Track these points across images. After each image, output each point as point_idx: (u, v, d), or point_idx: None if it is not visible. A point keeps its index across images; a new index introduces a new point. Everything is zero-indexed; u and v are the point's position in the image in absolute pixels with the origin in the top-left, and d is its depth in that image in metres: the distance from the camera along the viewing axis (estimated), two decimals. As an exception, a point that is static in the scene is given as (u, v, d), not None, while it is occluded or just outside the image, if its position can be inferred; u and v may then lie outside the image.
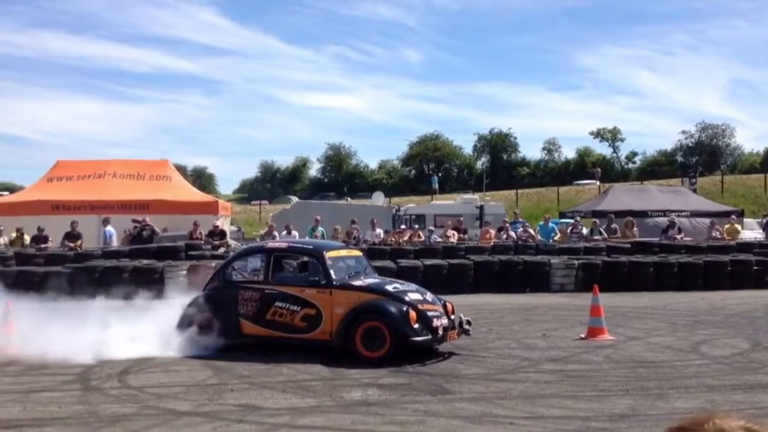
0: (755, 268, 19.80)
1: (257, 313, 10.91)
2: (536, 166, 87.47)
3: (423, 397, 8.23)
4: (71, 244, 20.20)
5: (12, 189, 55.17)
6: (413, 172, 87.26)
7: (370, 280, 11.15)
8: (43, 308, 12.01)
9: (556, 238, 22.54)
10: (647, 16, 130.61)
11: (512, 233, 22.47)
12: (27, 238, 20.75)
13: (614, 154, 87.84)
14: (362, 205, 39.05)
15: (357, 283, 10.90)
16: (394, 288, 10.88)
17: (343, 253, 11.95)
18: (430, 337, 10.30)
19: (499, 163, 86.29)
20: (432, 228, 24.26)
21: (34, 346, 10.45)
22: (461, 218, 24.53)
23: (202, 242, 20.81)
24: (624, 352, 10.82)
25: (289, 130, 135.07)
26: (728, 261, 20.00)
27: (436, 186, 51.89)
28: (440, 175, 73.60)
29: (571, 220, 24.97)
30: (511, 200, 48.10)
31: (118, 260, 18.69)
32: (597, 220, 23.75)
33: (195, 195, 25.49)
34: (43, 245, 20.18)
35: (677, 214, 25.14)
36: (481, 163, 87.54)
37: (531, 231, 22.66)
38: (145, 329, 10.98)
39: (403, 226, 24.42)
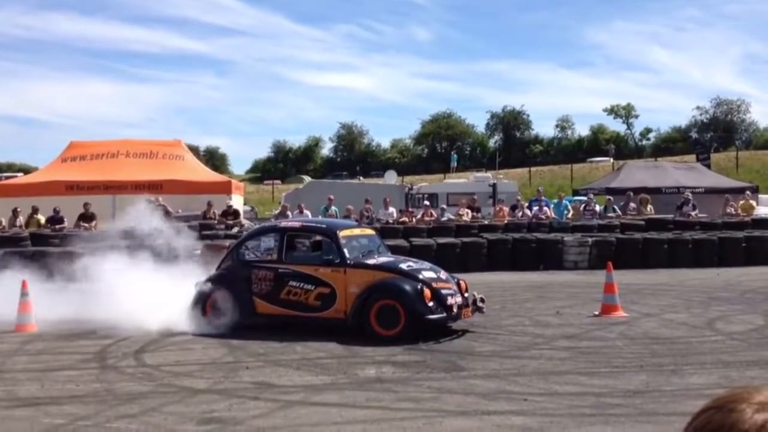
0: (771, 244, 19.65)
1: (271, 292, 10.95)
2: (549, 144, 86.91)
3: (437, 374, 8.26)
4: (86, 225, 20.33)
5: (26, 170, 55.46)
6: (426, 150, 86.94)
7: (384, 259, 11.17)
8: (59, 287, 12.10)
9: (569, 215, 22.45)
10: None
11: (527, 211, 22.35)
12: (41, 218, 20.87)
13: (628, 131, 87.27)
14: (375, 184, 38.95)
15: (371, 261, 10.91)
16: (408, 266, 10.89)
17: (357, 231, 11.96)
18: (444, 314, 10.33)
19: (512, 141, 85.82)
20: (445, 206, 24.21)
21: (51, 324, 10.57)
22: (474, 196, 24.46)
23: (216, 222, 20.93)
24: (638, 328, 10.81)
25: (300, 109, 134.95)
26: (743, 237, 19.90)
27: (455, 164, 51.56)
28: (458, 152, 72.84)
29: (585, 198, 24.82)
30: (525, 178, 47.89)
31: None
32: (611, 198, 23.61)
33: (208, 175, 25.57)
34: (58, 226, 20.31)
35: (692, 191, 24.95)
36: (494, 141, 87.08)
37: (547, 209, 22.50)
38: (159, 308, 11.06)
39: (416, 208, 24.11)
